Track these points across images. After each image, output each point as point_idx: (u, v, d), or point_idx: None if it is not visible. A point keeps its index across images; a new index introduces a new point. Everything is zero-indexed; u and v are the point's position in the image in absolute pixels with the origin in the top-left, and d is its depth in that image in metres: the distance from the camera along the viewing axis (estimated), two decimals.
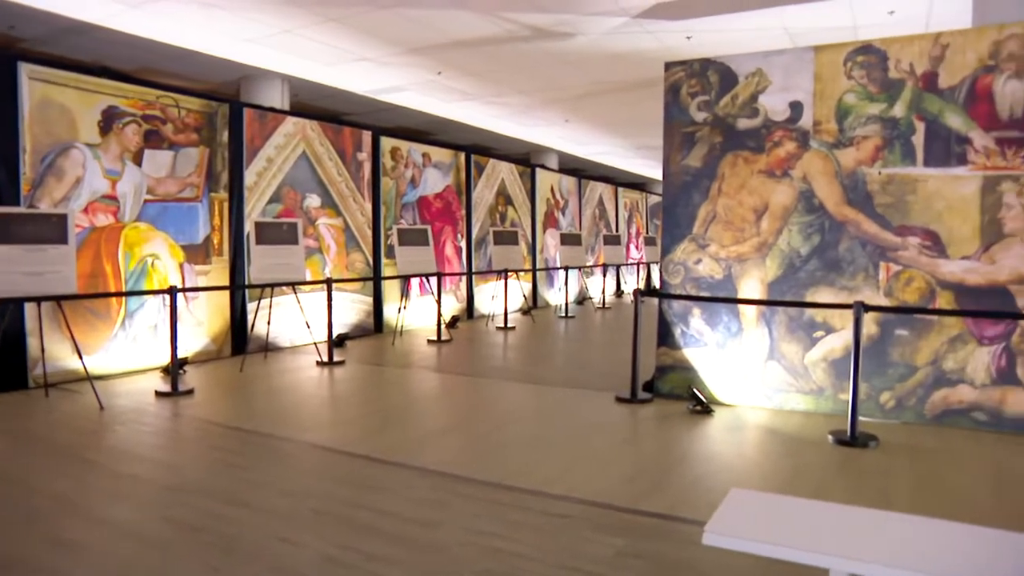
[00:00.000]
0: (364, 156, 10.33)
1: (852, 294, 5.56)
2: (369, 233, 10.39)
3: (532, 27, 8.45)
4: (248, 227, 8.24)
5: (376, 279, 10.38)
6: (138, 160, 7.38)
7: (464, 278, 12.43)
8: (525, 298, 13.23)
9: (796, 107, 5.85)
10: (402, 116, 13.57)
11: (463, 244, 12.46)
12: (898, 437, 5.05)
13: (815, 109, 5.79)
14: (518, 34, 8.74)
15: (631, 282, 19.17)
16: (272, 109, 9.39)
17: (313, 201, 9.46)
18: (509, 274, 11.65)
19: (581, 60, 9.92)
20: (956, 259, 5.37)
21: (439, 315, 9.71)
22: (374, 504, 3.71)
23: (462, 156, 12.50)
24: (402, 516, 3.55)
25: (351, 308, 10.03)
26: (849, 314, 5.12)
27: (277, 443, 4.85)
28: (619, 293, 17.86)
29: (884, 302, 5.52)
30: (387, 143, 10.81)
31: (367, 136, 10.41)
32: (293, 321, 8.89)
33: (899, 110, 5.55)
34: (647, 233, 21.11)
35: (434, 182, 11.78)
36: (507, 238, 12.04)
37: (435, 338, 9.73)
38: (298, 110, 10.87)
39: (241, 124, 8.51)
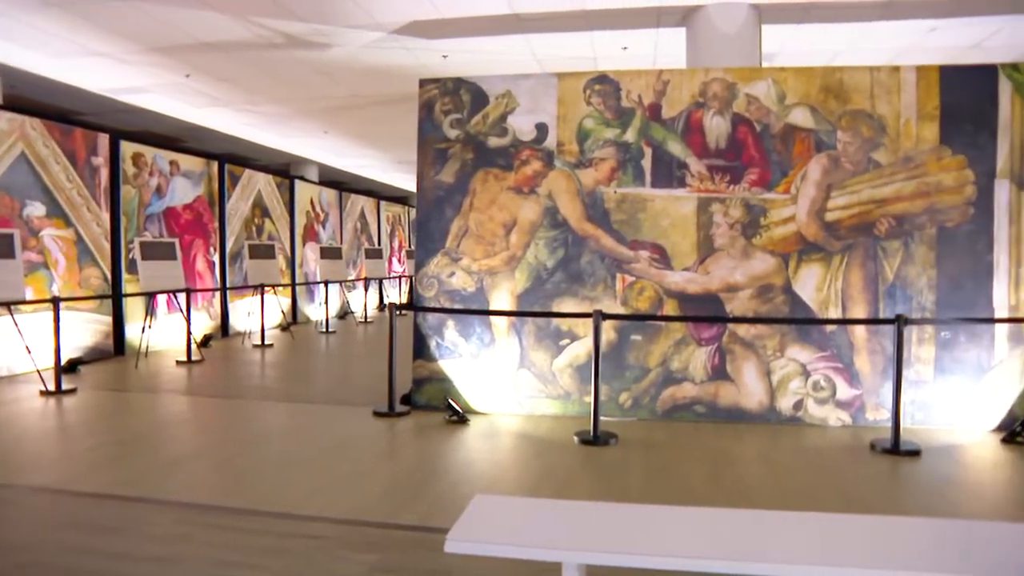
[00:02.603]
0: (100, 161, 9.38)
1: (593, 303, 6.01)
2: (107, 246, 9.44)
3: (286, 34, 8.22)
4: None
5: (115, 296, 9.46)
6: None
7: (218, 294, 11.72)
8: (284, 314, 12.76)
9: (542, 128, 6.23)
10: (147, 119, 12.56)
11: (216, 258, 11.75)
12: (635, 433, 5.53)
13: (559, 131, 6.20)
14: (272, 41, 8.46)
15: (394, 295, 19.21)
16: None
17: (36, 209, 8.42)
18: (266, 289, 11.18)
19: (338, 72, 9.82)
20: (679, 271, 6.02)
21: (189, 334, 9.07)
22: (105, 547, 3.37)
23: (215, 165, 11.79)
24: (138, 556, 3.27)
25: (85, 329, 9.05)
26: (591, 322, 5.53)
27: None
28: (382, 307, 17.81)
29: (620, 310, 6.04)
30: (128, 148, 9.90)
31: (104, 139, 9.47)
32: (10, 346, 7.83)
33: (631, 135, 6.11)
34: (409, 246, 21.27)
35: (183, 192, 10.99)
36: (264, 252, 11.55)
37: (185, 359, 9.07)
38: (15, 105, 9.61)
39: None
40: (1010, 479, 4.60)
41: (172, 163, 10.75)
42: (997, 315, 5.71)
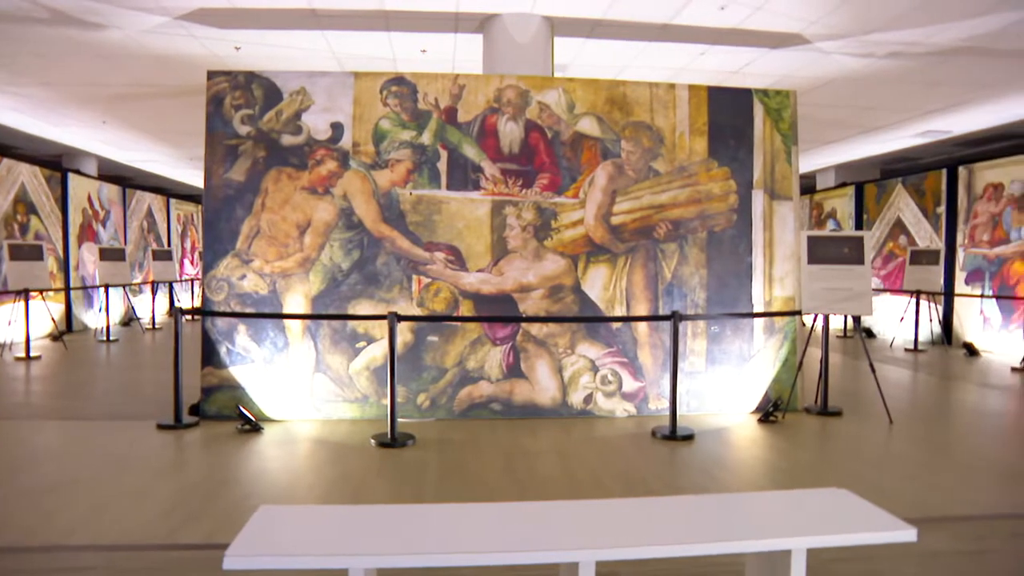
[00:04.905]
0: None
1: (389, 305, 5.99)
2: None
3: (52, 9, 7.44)
4: None
5: None
6: None
7: None
8: (55, 322, 11.55)
9: (338, 128, 6.12)
10: None
11: None
12: (432, 433, 5.58)
13: (354, 131, 6.12)
14: (34, 14, 7.61)
15: (186, 300, 18.03)
16: None
17: None
18: (32, 294, 10.06)
19: (118, 57, 9.04)
20: (474, 272, 6.15)
21: None
22: None
23: None
24: None
25: None
26: (387, 324, 5.50)
27: None
28: (173, 312, 16.67)
29: (417, 311, 6.07)
30: None
31: None
32: None
33: (427, 138, 6.16)
34: (202, 247, 20.08)
35: None
36: (29, 253, 10.37)
37: None
38: None
39: None
40: (764, 455, 5.16)
41: None
42: (756, 310, 6.39)
